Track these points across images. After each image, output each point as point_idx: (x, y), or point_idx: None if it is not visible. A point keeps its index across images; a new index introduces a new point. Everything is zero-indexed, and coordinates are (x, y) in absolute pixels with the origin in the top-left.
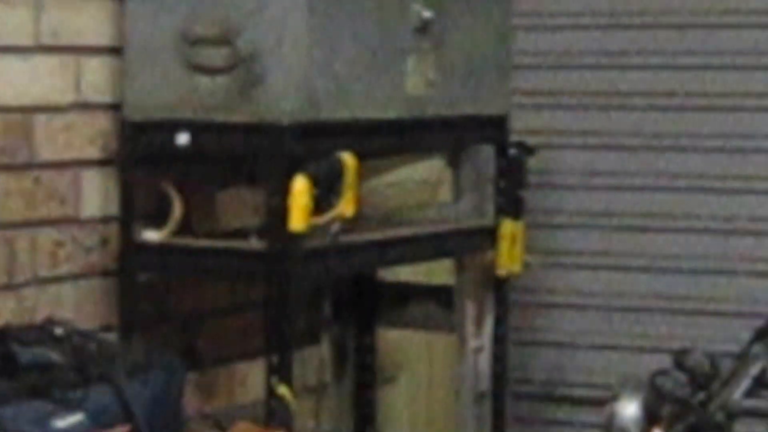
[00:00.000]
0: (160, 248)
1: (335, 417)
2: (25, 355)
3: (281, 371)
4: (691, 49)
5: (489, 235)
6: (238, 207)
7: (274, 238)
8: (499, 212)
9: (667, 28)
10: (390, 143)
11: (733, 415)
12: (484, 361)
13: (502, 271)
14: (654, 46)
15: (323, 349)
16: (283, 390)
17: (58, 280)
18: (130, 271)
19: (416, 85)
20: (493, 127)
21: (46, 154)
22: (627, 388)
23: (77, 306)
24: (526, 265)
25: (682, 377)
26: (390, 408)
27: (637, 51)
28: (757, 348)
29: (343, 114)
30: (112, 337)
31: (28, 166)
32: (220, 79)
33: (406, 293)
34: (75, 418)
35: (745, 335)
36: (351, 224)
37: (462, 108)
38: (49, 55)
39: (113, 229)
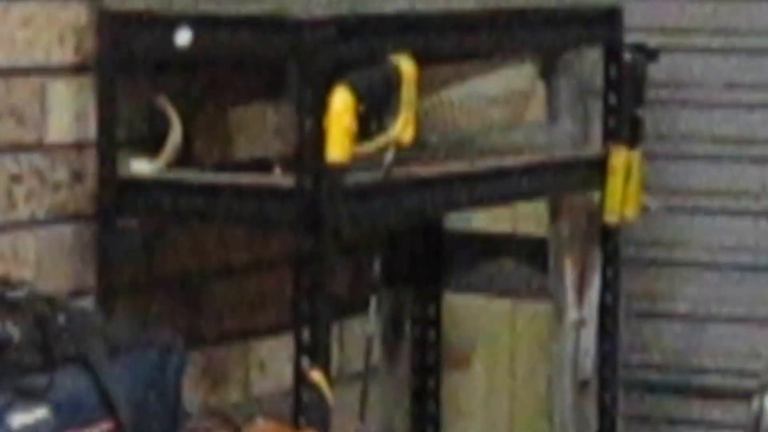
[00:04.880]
0: (152, 184)
1: (386, 412)
2: None
3: (315, 351)
4: None
5: (595, 169)
6: (257, 129)
7: (305, 172)
8: (608, 138)
9: None
10: (461, 44)
11: None
12: (588, 339)
13: (612, 218)
14: None
15: (371, 322)
16: (316, 376)
17: (14, 226)
18: (112, 215)
19: None
20: (602, 23)
21: None
22: None
23: (41, 262)
24: (645, 210)
25: None
26: (459, 400)
27: None
28: None
29: (397, 4)
30: (87, 304)
31: None
32: None
33: (483, 247)
34: (38, 412)
35: None
36: (409, 154)
37: None
38: None
39: (89, 159)
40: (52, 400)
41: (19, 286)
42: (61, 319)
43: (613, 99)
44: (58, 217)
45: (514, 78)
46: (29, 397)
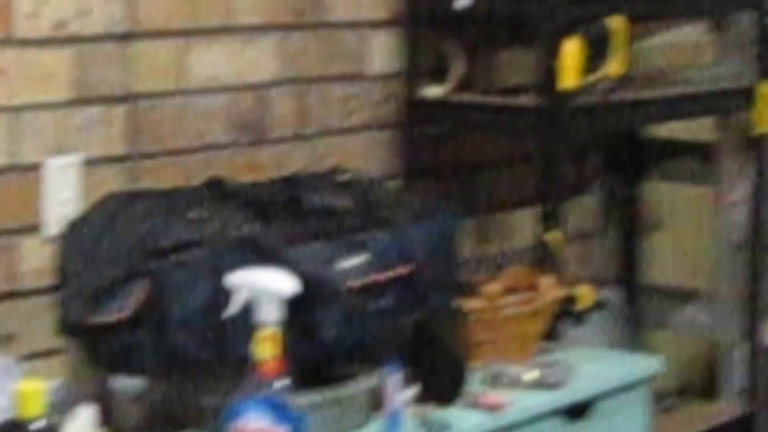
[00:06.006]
0: (440, 103)
1: (602, 263)
2: (312, 200)
3: (552, 219)
4: None
5: (749, 96)
6: (514, 66)
7: (546, 95)
8: (759, 74)
9: None
10: (657, 8)
11: None
12: (742, 215)
13: (759, 130)
14: None
15: (592, 199)
16: (553, 237)
17: (346, 131)
18: (413, 124)
19: None
20: None
21: (338, 14)
22: None
23: (364, 156)
24: None
25: None
26: (653, 255)
27: None
28: None
29: None
30: (396, 184)
31: (321, 26)
32: None
33: (671, 149)
34: (358, 258)
35: None
36: (619, 84)
37: None
38: None
39: (398, 85)
40: (369, 250)
41: (347, 171)
42: (378, 193)
43: (761, 48)
44: (377, 125)
45: (693, 32)
46: (352, 247)
